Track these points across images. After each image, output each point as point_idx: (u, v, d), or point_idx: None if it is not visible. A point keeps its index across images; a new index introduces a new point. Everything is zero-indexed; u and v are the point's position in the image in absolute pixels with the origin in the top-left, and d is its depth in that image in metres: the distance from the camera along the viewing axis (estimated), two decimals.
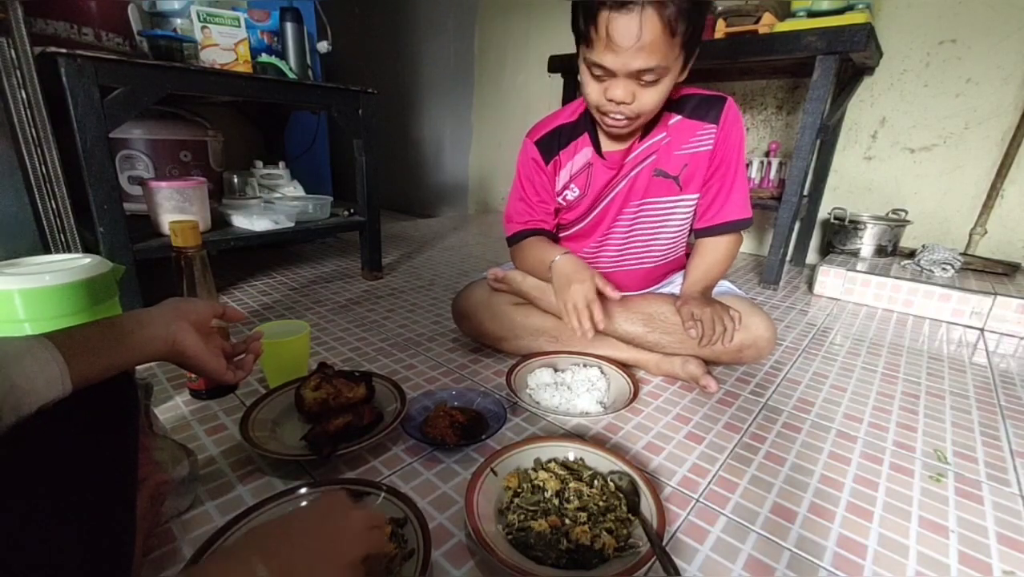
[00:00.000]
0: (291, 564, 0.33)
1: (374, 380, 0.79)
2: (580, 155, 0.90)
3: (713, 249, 0.92)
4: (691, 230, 0.96)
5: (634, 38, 0.66)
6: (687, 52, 0.72)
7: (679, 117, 0.85)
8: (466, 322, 1.00)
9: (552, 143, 0.91)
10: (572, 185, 0.91)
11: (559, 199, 0.94)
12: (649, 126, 0.85)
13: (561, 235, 1.01)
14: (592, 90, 0.76)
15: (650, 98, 0.74)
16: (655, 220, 0.92)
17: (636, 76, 0.71)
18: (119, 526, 0.37)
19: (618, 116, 0.76)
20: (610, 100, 0.74)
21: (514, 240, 0.97)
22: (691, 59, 0.75)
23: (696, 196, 0.90)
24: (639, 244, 0.95)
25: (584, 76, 0.76)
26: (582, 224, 0.95)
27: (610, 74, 0.71)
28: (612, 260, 0.97)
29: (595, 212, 0.93)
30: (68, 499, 0.34)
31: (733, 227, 0.91)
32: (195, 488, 0.58)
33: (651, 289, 1.02)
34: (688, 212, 0.92)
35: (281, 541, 0.35)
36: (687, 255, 1.00)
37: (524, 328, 0.96)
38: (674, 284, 1.01)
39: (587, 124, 0.88)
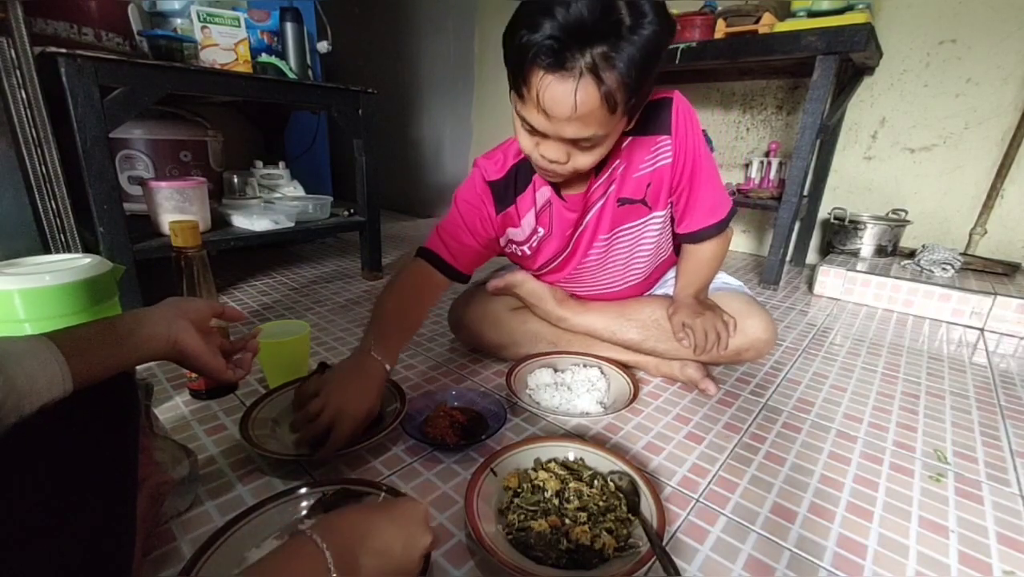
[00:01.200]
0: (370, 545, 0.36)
1: None
2: (539, 194, 0.81)
3: (699, 253, 0.87)
4: (673, 231, 0.90)
5: (569, 109, 0.56)
6: (631, 115, 0.65)
7: (629, 138, 0.75)
8: (463, 331, 0.99)
9: (508, 189, 0.81)
10: (538, 228, 0.83)
11: (525, 247, 0.86)
12: (600, 167, 0.76)
13: (538, 276, 0.94)
14: (524, 142, 0.67)
15: (586, 160, 0.66)
16: (628, 243, 0.86)
17: (571, 142, 0.63)
18: (119, 526, 0.37)
19: (552, 170, 0.68)
20: (542, 156, 0.66)
21: (418, 254, 0.86)
22: (634, 116, 0.67)
23: (666, 210, 0.84)
24: (617, 268, 0.89)
25: (517, 124, 0.67)
26: (554, 263, 0.89)
27: (542, 135, 0.63)
28: (590, 286, 0.93)
29: (564, 253, 0.86)
30: (69, 499, 0.34)
31: (712, 231, 0.84)
32: (195, 488, 0.58)
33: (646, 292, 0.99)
34: (662, 225, 0.86)
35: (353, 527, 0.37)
36: (678, 250, 0.94)
37: (522, 334, 0.95)
38: (668, 285, 0.98)
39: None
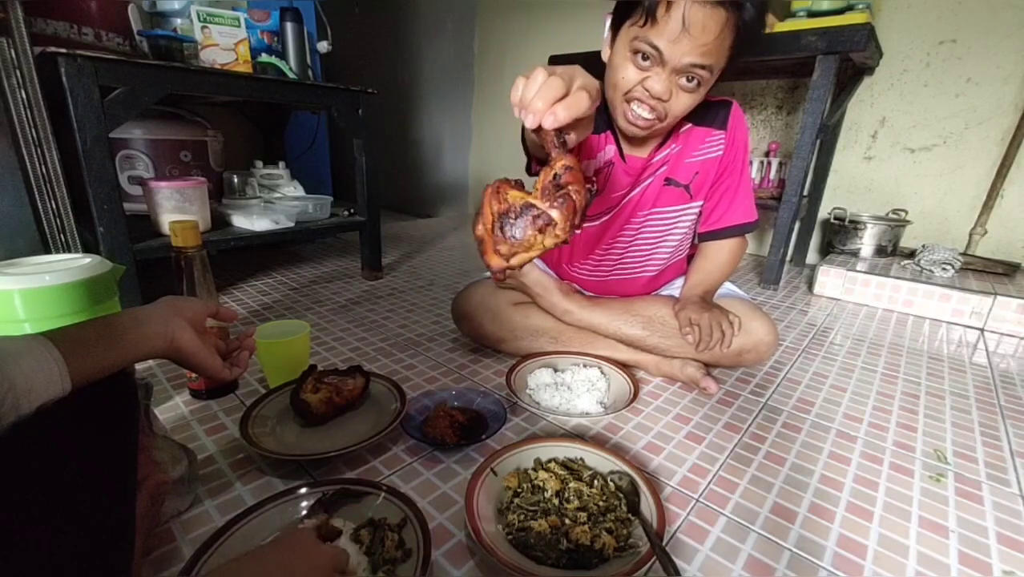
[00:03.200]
0: None
1: (373, 379, 0.79)
2: (604, 152, 0.84)
3: (716, 252, 0.92)
4: (694, 236, 0.95)
5: (708, 32, 0.63)
6: (729, 63, 0.70)
7: (689, 125, 0.83)
8: (466, 323, 0.99)
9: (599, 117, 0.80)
10: (593, 178, 0.83)
11: None
12: (665, 137, 0.83)
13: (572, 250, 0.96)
14: (629, 73, 0.69)
15: (683, 103, 0.70)
16: (660, 229, 0.90)
17: (683, 72, 0.67)
18: (119, 526, 0.37)
19: (643, 113, 0.71)
20: (647, 90, 0.68)
21: None
22: (723, 75, 0.72)
23: (701, 203, 0.89)
24: (640, 254, 0.93)
25: (619, 57, 0.70)
26: (589, 225, 0.91)
27: (657, 63, 0.66)
28: (610, 270, 0.95)
29: (603, 218, 0.90)
30: (67, 499, 0.34)
31: (738, 231, 0.90)
32: (195, 488, 0.58)
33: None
34: (693, 219, 0.91)
35: None
36: (689, 259, 0.99)
37: (524, 328, 0.95)
38: (674, 287, 1.01)
39: (607, 122, 0.82)
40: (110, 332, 0.41)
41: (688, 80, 0.68)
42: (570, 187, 0.45)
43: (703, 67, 0.66)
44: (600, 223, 0.91)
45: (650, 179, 0.85)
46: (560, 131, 0.45)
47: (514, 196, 0.47)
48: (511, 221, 0.46)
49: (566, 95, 0.43)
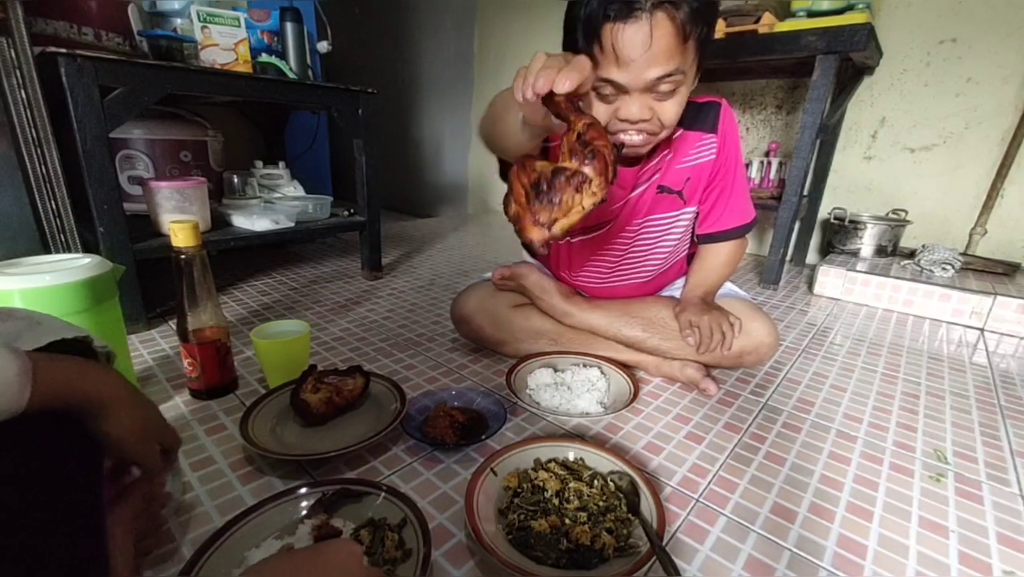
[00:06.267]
0: None
1: (373, 379, 0.79)
2: None
3: (716, 254, 0.92)
4: (692, 239, 0.94)
5: (645, 47, 0.61)
6: (701, 55, 0.67)
7: (680, 130, 0.81)
8: (465, 326, 0.99)
9: None
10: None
11: None
12: (655, 147, 0.81)
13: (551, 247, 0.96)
14: (599, 110, 0.69)
15: (670, 110, 0.68)
16: (655, 236, 0.89)
17: (652, 88, 0.65)
18: (89, 565, 0.33)
19: (634, 137, 0.71)
20: (624, 120, 0.68)
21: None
22: (703, 62, 0.70)
23: (696, 208, 0.88)
24: (637, 259, 0.92)
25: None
26: (578, 239, 0.91)
27: (621, 91, 0.66)
28: (608, 275, 0.95)
29: (599, 231, 0.89)
30: (16, 537, 0.29)
31: (735, 233, 0.89)
32: (179, 477, 0.56)
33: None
34: (688, 224, 0.90)
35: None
36: (690, 258, 0.99)
37: (524, 331, 0.95)
38: (676, 287, 1.01)
39: None
40: (84, 366, 0.38)
41: (662, 92, 0.66)
42: (596, 142, 0.44)
43: (668, 75, 0.64)
44: (595, 235, 0.90)
45: (643, 187, 0.84)
46: (571, 98, 0.45)
47: (541, 165, 0.47)
48: (544, 189, 0.45)
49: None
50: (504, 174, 0.72)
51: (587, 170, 0.44)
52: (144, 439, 0.44)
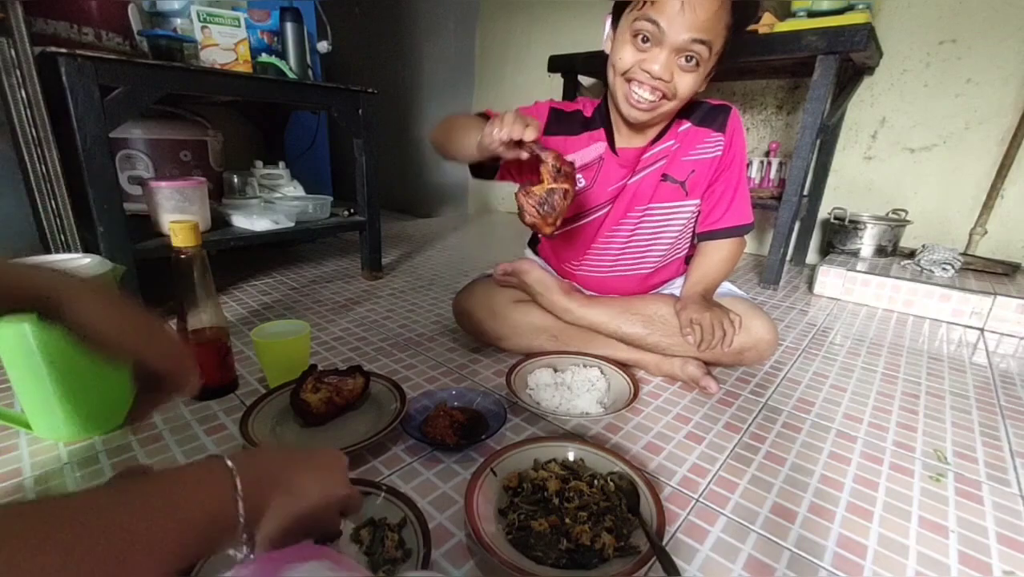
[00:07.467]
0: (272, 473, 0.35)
1: (373, 379, 0.79)
2: (592, 148, 0.88)
3: (715, 251, 0.93)
4: (692, 237, 0.96)
5: (706, 8, 0.67)
6: (726, 46, 0.73)
7: (689, 124, 0.86)
8: (466, 320, 0.99)
9: (569, 122, 0.89)
10: (579, 176, 0.88)
11: None
12: (663, 130, 0.85)
13: (561, 231, 0.97)
14: (626, 54, 0.74)
15: (686, 82, 0.73)
16: (656, 224, 0.92)
17: (683, 50, 0.70)
18: None
19: (645, 94, 0.75)
20: (645, 71, 0.72)
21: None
22: (724, 56, 0.75)
23: (698, 202, 0.91)
24: (638, 249, 0.94)
25: (619, 40, 0.75)
26: (582, 221, 0.93)
27: (657, 42, 0.71)
28: (609, 265, 0.96)
29: (598, 213, 0.91)
30: None
31: (736, 231, 0.92)
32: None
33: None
34: (689, 218, 0.93)
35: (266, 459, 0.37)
36: (687, 260, 1.00)
37: (525, 326, 0.95)
38: (674, 286, 1.01)
39: (603, 120, 0.88)
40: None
41: (687, 60, 0.72)
42: (564, 168, 0.69)
43: (702, 42, 0.70)
44: (598, 216, 0.92)
45: (646, 171, 0.87)
46: (530, 144, 0.67)
47: (538, 189, 0.70)
48: (546, 203, 0.70)
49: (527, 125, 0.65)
50: (475, 175, 0.88)
51: (566, 185, 0.70)
52: (121, 327, 0.39)
